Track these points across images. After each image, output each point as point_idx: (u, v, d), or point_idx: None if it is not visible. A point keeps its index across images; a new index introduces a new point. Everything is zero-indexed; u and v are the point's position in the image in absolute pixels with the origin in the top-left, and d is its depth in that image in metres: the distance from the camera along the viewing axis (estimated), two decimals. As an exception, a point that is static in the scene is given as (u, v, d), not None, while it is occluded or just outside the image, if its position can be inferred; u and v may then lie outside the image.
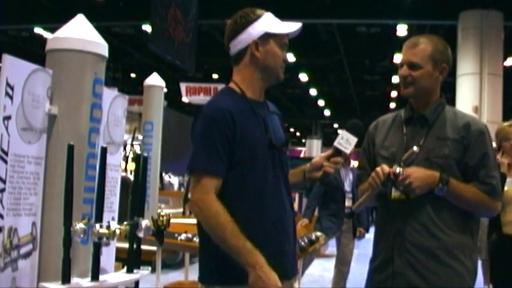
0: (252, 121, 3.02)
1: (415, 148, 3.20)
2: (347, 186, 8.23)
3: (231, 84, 3.17)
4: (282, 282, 2.98)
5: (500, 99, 18.08)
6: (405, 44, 3.47)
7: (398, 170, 3.14)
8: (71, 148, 3.41)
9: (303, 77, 28.65)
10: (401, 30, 21.30)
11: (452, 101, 17.55)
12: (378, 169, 3.21)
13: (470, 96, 17.70)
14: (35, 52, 20.33)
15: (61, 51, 3.74)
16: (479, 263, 5.77)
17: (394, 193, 3.30)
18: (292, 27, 3.14)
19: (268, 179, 3.01)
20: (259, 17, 3.11)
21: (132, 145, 13.04)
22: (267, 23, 3.11)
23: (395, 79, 29.52)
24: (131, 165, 13.83)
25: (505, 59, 19.77)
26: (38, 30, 23.14)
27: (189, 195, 3.36)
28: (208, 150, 2.93)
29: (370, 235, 8.00)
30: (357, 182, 3.66)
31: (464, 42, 17.95)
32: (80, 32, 3.76)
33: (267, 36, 3.09)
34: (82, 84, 3.73)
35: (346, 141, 3.16)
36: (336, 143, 3.17)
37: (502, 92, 18.25)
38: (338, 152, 3.17)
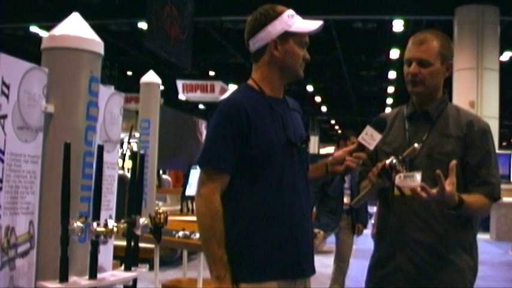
0: (269, 118, 3.02)
1: (416, 145, 3.18)
2: (345, 183, 8.22)
3: (250, 81, 3.15)
4: (300, 280, 3.08)
5: (496, 94, 18.14)
6: (411, 40, 3.43)
7: (394, 161, 3.13)
8: (67, 146, 3.40)
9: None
10: (398, 25, 21.35)
11: (449, 95, 17.52)
12: (378, 164, 3.21)
13: (466, 91, 17.76)
14: (31, 51, 20.33)
15: (56, 50, 3.72)
16: None
17: (396, 190, 3.29)
18: (312, 25, 3.11)
19: (285, 176, 3.01)
20: (279, 14, 3.08)
21: (129, 143, 13.03)
22: (287, 21, 3.07)
23: (391, 75, 29.60)
24: (129, 163, 13.82)
25: (501, 53, 19.80)
26: (33, 28, 23.14)
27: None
28: (218, 147, 2.95)
29: (368, 231, 8.02)
30: (358, 178, 3.64)
31: (460, 37, 18.00)
32: (75, 30, 3.74)
33: (286, 36, 3.06)
34: (78, 82, 3.72)
35: (370, 136, 3.14)
36: (360, 138, 3.16)
37: (499, 87, 18.29)
38: (361, 147, 3.16)
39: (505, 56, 23.69)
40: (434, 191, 2.99)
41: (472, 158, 3.26)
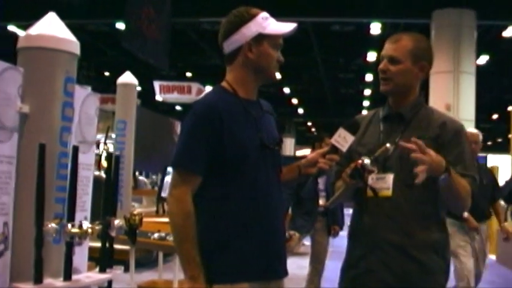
0: (242, 120, 3.03)
1: (388, 145, 3.20)
2: (320, 184, 8.22)
3: (224, 83, 3.15)
4: (274, 281, 3.10)
5: (473, 97, 18.22)
6: (388, 39, 3.48)
7: (366, 161, 3.14)
8: (42, 147, 3.39)
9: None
10: (375, 28, 21.41)
11: (425, 98, 17.58)
12: (352, 164, 3.23)
13: (443, 94, 17.81)
14: (9, 50, 20.19)
15: (32, 49, 3.71)
16: None
17: (369, 191, 3.31)
18: (286, 27, 3.12)
19: (258, 178, 3.03)
20: (253, 17, 3.08)
21: (105, 144, 12.99)
22: (261, 23, 3.08)
23: (369, 77, 29.71)
24: (105, 164, 13.73)
25: (477, 57, 19.93)
26: (11, 28, 22.99)
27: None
28: (192, 148, 2.96)
29: (344, 232, 8.04)
30: (333, 178, 3.65)
31: (437, 40, 18.04)
32: (51, 30, 3.73)
33: (260, 37, 3.07)
34: (53, 82, 3.70)
35: (343, 138, 3.16)
36: (333, 140, 3.18)
37: (475, 90, 18.40)
38: (334, 149, 3.18)
39: (482, 60, 23.84)
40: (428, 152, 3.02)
41: (446, 157, 3.26)
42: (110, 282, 4.10)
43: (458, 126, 3.42)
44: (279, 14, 3.16)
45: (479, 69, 19.89)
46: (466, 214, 6.86)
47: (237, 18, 3.09)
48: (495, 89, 32.41)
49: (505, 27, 20.90)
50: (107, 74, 32.78)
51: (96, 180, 4.72)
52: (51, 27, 3.75)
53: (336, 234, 8.43)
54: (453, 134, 3.33)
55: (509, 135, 13.70)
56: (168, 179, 10.50)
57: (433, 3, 18.36)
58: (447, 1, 18.06)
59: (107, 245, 3.89)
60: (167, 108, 37.15)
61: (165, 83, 28.03)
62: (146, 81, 26.49)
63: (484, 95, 27.20)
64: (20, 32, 20.99)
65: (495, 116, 38.07)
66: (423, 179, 3.02)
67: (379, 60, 3.50)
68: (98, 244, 3.88)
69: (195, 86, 27.49)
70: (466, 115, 17.18)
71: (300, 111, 43.71)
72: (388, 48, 3.42)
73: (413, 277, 3.25)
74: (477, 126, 18.69)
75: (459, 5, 17.97)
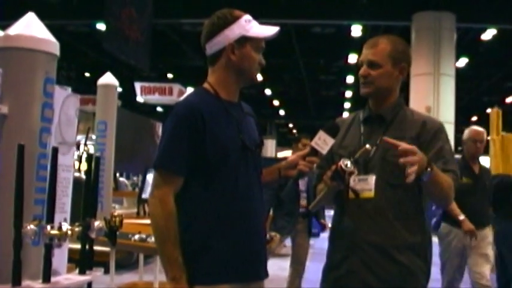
0: (224, 122, 3.03)
1: (367, 146, 3.21)
2: (302, 186, 8.23)
3: (205, 85, 3.15)
4: (254, 283, 3.09)
5: (452, 99, 18.36)
6: (365, 44, 3.49)
7: (346, 162, 3.14)
8: (21, 148, 3.35)
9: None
10: (356, 30, 21.52)
11: (405, 101, 17.58)
12: (333, 166, 3.22)
13: (423, 96, 17.93)
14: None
15: (11, 50, 3.68)
16: None
17: (351, 192, 3.31)
18: (269, 31, 3.13)
19: (239, 179, 3.02)
20: (236, 19, 3.08)
21: (86, 145, 12.94)
22: (245, 26, 3.08)
23: (349, 79, 29.80)
24: (85, 166, 13.62)
25: (457, 59, 20.06)
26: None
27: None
28: (173, 149, 2.95)
29: (326, 234, 8.04)
30: (315, 181, 3.65)
31: (417, 42, 18.17)
32: (30, 30, 3.70)
33: (243, 40, 3.07)
34: (33, 83, 3.67)
35: (323, 141, 3.16)
36: (313, 143, 3.18)
37: (455, 92, 18.51)
38: (314, 152, 3.18)
39: (461, 62, 24.03)
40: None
41: (426, 154, 3.25)
42: (89, 284, 4.08)
43: (438, 125, 3.44)
44: (260, 16, 3.16)
45: (459, 72, 20.05)
46: (462, 217, 6.62)
47: (220, 20, 3.09)
48: (474, 91, 32.62)
49: (483, 30, 21.05)
50: (87, 74, 32.68)
51: (76, 181, 4.69)
52: (30, 27, 3.73)
53: (324, 229, 8.46)
54: (433, 133, 3.35)
55: (488, 137, 13.73)
56: (149, 179, 10.50)
57: (413, 5, 18.47)
58: (427, 4, 18.18)
59: (87, 246, 3.86)
60: (148, 109, 37.08)
61: (146, 84, 27.97)
62: (127, 82, 26.44)
63: (463, 97, 27.35)
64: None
65: (474, 118, 38.27)
66: (413, 179, 2.98)
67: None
68: (78, 246, 3.85)
69: (176, 87, 27.43)
70: (446, 117, 17.28)
71: (282, 112, 43.78)
72: (366, 53, 3.43)
73: (395, 278, 3.26)
74: (457, 128, 18.83)
75: (439, 8, 18.10)
